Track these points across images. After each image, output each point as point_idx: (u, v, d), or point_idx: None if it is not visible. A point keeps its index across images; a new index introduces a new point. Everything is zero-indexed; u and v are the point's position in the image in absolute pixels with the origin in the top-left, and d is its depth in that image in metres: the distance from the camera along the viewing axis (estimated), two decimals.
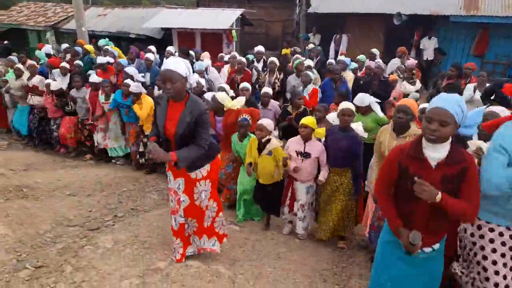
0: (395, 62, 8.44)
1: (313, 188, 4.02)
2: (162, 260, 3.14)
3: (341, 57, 8.84)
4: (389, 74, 7.61)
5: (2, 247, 3.05)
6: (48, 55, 8.67)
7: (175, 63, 2.59)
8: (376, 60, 7.98)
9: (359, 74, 7.32)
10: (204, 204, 3.04)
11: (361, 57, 8.25)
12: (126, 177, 5.73)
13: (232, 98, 4.96)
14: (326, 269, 3.62)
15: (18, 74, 7.07)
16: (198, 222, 3.09)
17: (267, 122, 3.97)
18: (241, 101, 4.73)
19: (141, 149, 5.98)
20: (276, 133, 4.14)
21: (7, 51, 12.68)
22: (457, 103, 1.97)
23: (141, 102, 5.63)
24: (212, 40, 12.38)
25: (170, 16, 13.02)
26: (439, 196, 1.98)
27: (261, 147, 4.00)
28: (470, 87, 6.02)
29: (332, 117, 4.16)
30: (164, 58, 8.06)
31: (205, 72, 6.96)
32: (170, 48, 8.42)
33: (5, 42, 14.05)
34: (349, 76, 6.73)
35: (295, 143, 3.96)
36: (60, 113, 6.80)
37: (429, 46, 10.58)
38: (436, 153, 2.06)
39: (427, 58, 10.60)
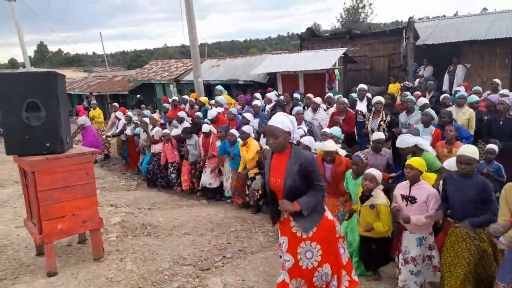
0: None
1: (427, 239, 3.52)
2: None
3: (459, 88, 8.03)
4: None
5: (129, 283, 3.40)
6: (175, 105, 9.90)
7: (280, 119, 2.73)
8: (500, 93, 6.99)
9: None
10: (309, 265, 2.86)
11: (476, 88, 7.31)
12: (235, 217, 5.97)
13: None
14: None
15: (144, 127, 8.22)
16: (307, 283, 2.91)
17: (377, 173, 3.72)
18: (331, 146, 4.52)
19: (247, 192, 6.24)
20: (380, 190, 3.81)
21: (140, 103, 14.93)
22: None
23: (248, 145, 5.94)
24: (315, 81, 12.56)
25: (275, 61, 13.74)
26: None
27: (364, 196, 3.76)
28: None
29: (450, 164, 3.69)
30: (266, 104, 8.43)
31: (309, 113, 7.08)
32: (269, 95, 8.80)
33: (138, 96, 16.56)
34: (466, 114, 5.74)
35: (402, 185, 3.64)
36: (177, 158, 7.62)
37: None
38: None
39: None
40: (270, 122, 2.74)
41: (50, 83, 3.45)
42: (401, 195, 3.59)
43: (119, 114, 10.43)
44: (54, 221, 3.47)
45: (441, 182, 3.63)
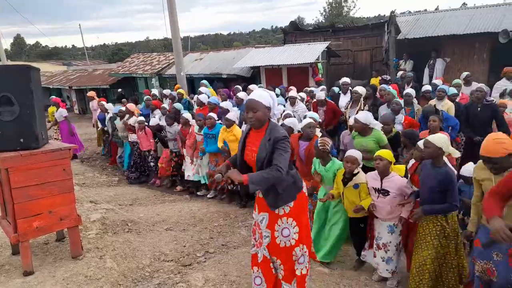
0: (501, 84, 7.50)
1: (398, 227, 3.60)
2: None
3: (436, 81, 8.19)
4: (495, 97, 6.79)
5: (108, 280, 3.34)
6: (154, 98, 9.74)
7: (259, 93, 2.71)
8: (475, 84, 7.21)
9: (457, 100, 6.55)
10: (286, 243, 2.86)
11: (456, 81, 7.50)
12: (218, 212, 5.93)
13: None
14: None
15: (121, 115, 8.09)
16: (283, 263, 2.89)
17: (358, 155, 3.81)
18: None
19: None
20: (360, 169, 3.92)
21: (121, 97, 14.64)
22: None
23: (232, 131, 5.91)
24: (299, 74, 12.59)
25: (258, 55, 13.67)
26: None
27: (346, 178, 3.82)
28: None
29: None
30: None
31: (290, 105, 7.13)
32: (251, 86, 8.77)
33: (119, 90, 16.25)
34: (445, 107, 5.91)
35: (371, 178, 3.69)
36: (152, 146, 7.68)
37: None
38: None
39: None
40: (250, 96, 2.71)
41: (24, 77, 3.33)
42: (373, 187, 3.64)
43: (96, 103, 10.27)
44: (30, 219, 3.37)
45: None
